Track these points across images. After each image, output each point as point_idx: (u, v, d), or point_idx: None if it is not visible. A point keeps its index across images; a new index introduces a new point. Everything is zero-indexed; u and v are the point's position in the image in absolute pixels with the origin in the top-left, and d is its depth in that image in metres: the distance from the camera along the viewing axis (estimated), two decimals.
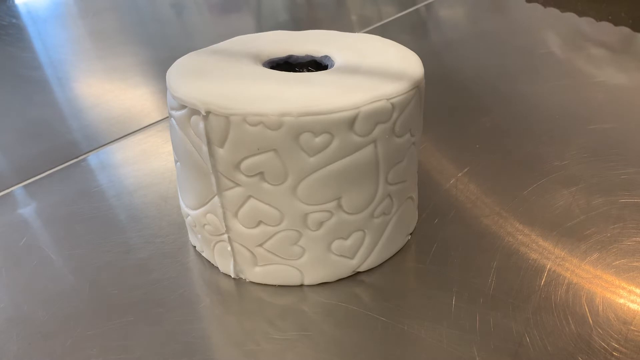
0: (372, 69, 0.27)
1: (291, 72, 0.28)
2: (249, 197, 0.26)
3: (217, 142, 0.25)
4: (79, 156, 0.44)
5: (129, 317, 0.27)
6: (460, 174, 0.37)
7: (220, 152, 0.25)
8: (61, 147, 0.45)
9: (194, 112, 0.25)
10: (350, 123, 0.24)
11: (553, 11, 0.71)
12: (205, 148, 0.25)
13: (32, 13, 0.96)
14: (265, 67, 0.29)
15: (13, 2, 1.01)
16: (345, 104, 0.24)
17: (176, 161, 0.29)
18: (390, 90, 0.25)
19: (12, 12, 0.96)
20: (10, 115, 0.54)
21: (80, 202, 0.37)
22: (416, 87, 0.26)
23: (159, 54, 0.70)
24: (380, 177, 0.26)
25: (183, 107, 0.25)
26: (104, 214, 0.36)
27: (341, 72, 0.27)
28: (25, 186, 0.40)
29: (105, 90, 0.59)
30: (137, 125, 0.48)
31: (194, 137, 0.26)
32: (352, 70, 0.27)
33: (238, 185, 0.26)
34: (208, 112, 0.24)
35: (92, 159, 0.43)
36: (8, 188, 0.40)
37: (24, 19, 0.93)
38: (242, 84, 0.26)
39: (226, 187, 0.26)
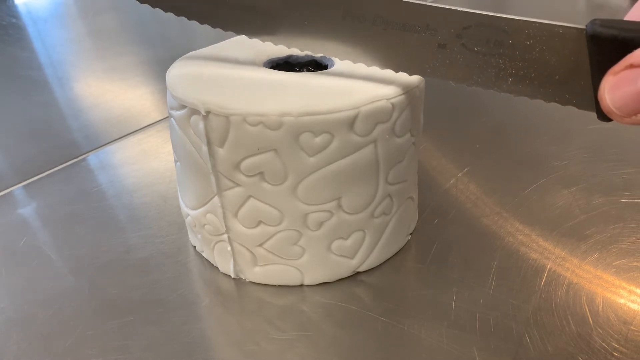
0: (372, 69, 0.27)
1: (291, 72, 0.28)
2: (249, 197, 0.26)
3: (217, 142, 0.25)
4: (79, 156, 0.44)
5: (129, 317, 0.27)
6: (460, 174, 0.37)
7: (220, 152, 0.25)
8: (61, 147, 0.45)
9: (194, 112, 0.25)
10: (350, 123, 0.24)
11: (553, 11, 0.71)
12: (205, 148, 0.25)
13: (32, 13, 0.96)
14: (265, 67, 0.29)
15: (13, 2, 1.01)
16: (345, 104, 0.24)
17: (176, 161, 0.29)
18: (390, 90, 0.25)
19: (12, 12, 0.96)
20: (10, 115, 0.54)
21: (80, 202, 0.37)
22: (416, 87, 0.26)
23: (159, 54, 0.70)
24: (380, 177, 0.26)
25: (183, 107, 0.25)
26: (104, 214, 0.36)
27: (341, 72, 0.27)
28: (25, 186, 0.40)
29: (105, 90, 0.59)
30: (137, 125, 0.48)
31: (194, 137, 0.26)
32: (352, 70, 0.27)
33: (238, 185, 0.26)
34: (208, 112, 0.24)
35: (92, 159, 0.43)
36: (8, 188, 0.40)
37: (24, 19, 0.93)
38: (242, 84, 0.26)
39: (226, 187, 0.26)
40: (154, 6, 0.28)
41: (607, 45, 0.19)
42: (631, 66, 0.18)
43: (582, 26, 0.19)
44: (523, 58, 0.21)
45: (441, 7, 0.22)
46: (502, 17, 0.21)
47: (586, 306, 0.26)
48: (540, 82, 0.21)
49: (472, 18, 0.21)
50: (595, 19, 0.19)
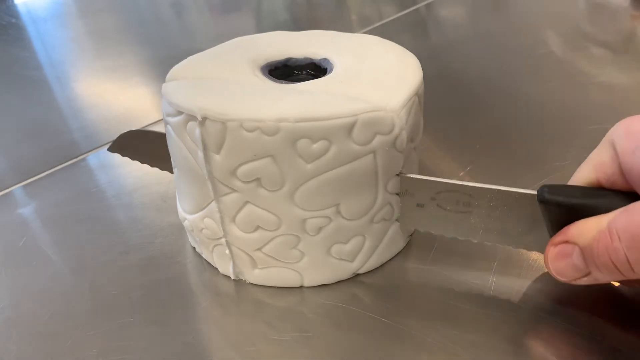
0: (371, 77, 0.27)
1: (289, 78, 0.28)
2: (246, 202, 0.26)
3: (213, 148, 0.25)
4: (79, 156, 0.44)
5: (129, 317, 0.27)
6: (461, 174, 0.37)
7: (217, 158, 0.25)
8: (61, 147, 0.45)
9: (191, 118, 0.25)
10: (348, 130, 0.24)
11: (553, 11, 0.71)
12: (201, 154, 0.25)
13: (32, 13, 0.96)
14: (264, 70, 0.29)
15: (13, 2, 1.01)
16: (343, 111, 0.24)
17: (174, 166, 0.29)
18: (391, 102, 0.25)
19: (12, 12, 0.96)
20: (10, 115, 0.54)
21: (80, 202, 0.37)
22: (415, 94, 0.26)
23: (159, 54, 0.70)
24: (380, 185, 0.26)
25: (179, 113, 0.25)
26: (103, 214, 0.36)
27: (340, 80, 0.27)
28: (25, 186, 0.40)
29: (105, 90, 0.59)
30: (137, 125, 0.48)
31: (190, 143, 0.25)
32: (351, 78, 0.27)
33: (235, 191, 0.25)
34: (205, 118, 0.24)
35: (92, 159, 0.43)
36: (8, 188, 0.40)
37: (23, 19, 0.93)
38: (239, 90, 0.26)
39: (223, 192, 0.26)
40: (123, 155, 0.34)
41: (555, 209, 0.23)
42: (567, 242, 0.22)
43: (534, 192, 0.23)
44: (488, 215, 0.25)
45: (416, 178, 0.26)
46: (467, 185, 0.25)
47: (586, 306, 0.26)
48: (506, 233, 0.26)
49: (442, 186, 0.26)
50: (544, 186, 0.23)
